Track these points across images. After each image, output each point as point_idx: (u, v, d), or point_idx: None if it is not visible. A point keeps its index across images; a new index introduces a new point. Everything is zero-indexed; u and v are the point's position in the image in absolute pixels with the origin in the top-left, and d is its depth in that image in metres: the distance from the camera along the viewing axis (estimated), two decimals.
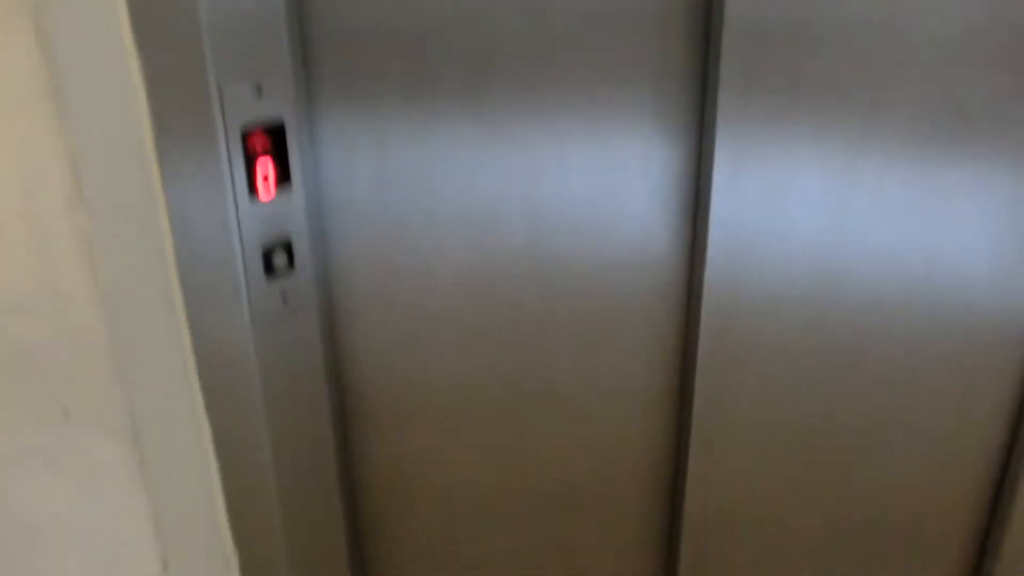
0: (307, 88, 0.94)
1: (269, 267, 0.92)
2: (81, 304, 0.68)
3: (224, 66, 0.82)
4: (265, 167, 0.90)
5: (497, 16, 0.94)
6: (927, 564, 1.32)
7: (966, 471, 1.26)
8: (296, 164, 0.92)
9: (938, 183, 1.05)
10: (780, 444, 1.21)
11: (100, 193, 0.74)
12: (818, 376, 1.17)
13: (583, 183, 1.04)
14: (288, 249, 0.94)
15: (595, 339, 1.14)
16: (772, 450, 1.21)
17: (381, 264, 1.06)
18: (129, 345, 0.72)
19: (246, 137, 0.87)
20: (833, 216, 1.07)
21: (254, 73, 0.86)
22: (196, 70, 0.81)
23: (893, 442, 1.21)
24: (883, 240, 1.09)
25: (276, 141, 0.91)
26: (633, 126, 1.01)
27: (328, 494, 1.10)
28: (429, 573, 1.28)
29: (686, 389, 1.18)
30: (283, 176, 0.92)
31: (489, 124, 0.99)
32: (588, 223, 1.07)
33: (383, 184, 1.01)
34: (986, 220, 1.09)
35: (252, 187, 0.89)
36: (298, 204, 0.94)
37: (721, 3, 0.92)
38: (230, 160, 0.86)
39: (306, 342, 1.00)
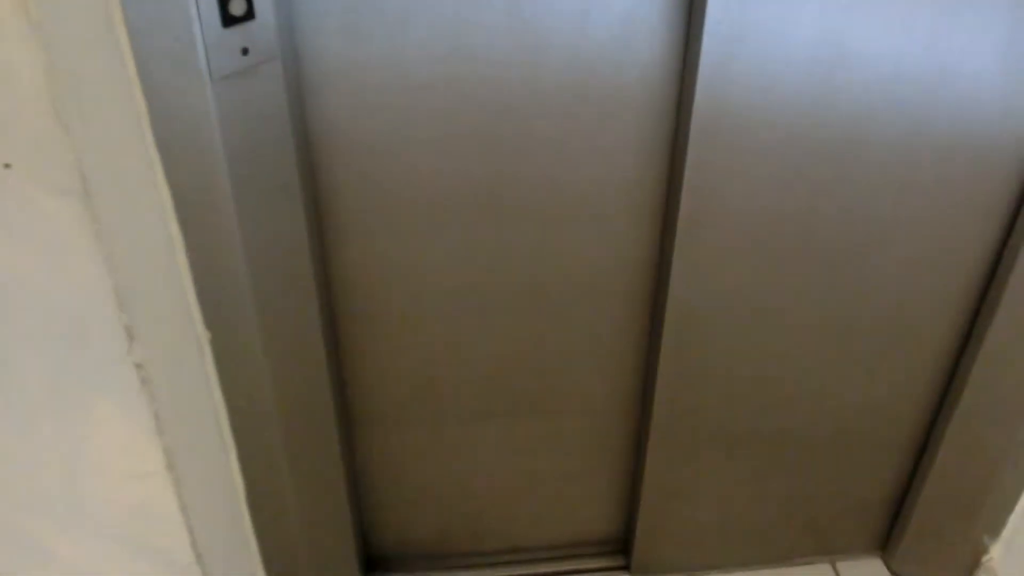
0: None
1: (227, 15, 0.83)
2: (13, 41, 0.60)
3: None
4: None
5: None
6: (910, 359, 1.33)
7: (952, 279, 1.24)
8: None
9: None
10: (767, 243, 1.17)
11: None
12: (809, 179, 1.12)
13: None
14: None
15: (578, 130, 1.08)
16: (759, 249, 1.17)
17: (351, 22, 0.97)
18: (72, 94, 0.65)
19: None
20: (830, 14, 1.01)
21: None
22: None
23: (883, 243, 1.19)
24: (881, 40, 1.03)
25: None
26: None
27: (304, 287, 1.06)
28: (403, 360, 1.27)
29: (673, 184, 1.13)
30: None
31: None
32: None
33: None
34: (988, 22, 1.03)
35: None
36: None
37: None
38: None
39: (271, 101, 0.92)
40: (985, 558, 1.48)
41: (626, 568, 1.54)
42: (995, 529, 1.44)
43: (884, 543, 1.58)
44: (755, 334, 1.25)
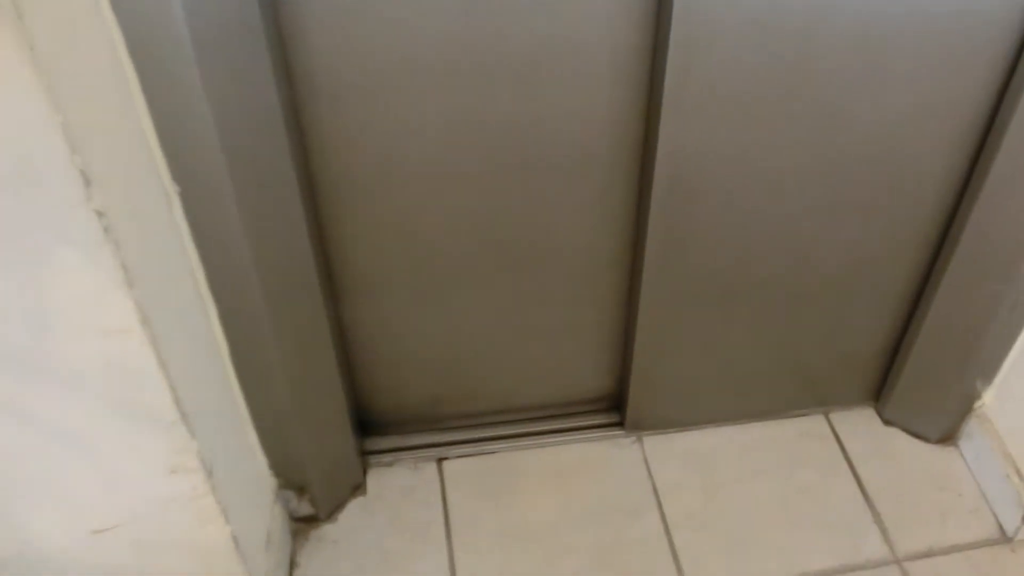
0: None
1: None
2: None
3: None
4: None
5: None
6: (906, 208, 1.30)
7: (949, 126, 1.20)
8: None
9: None
10: (758, 94, 1.12)
11: None
12: (800, 28, 1.06)
13: None
14: None
15: None
16: (750, 100, 1.12)
17: None
18: None
19: None
20: None
21: None
22: None
23: (879, 91, 1.14)
24: None
25: None
26: None
27: (277, 143, 1.01)
28: (388, 221, 1.23)
29: (660, 36, 1.07)
30: None
31: None
32: None
33: None
34: None
35: None
36: None
37: None
38: None
39: None
40: (977, 404, 1.48)
41: (620, 424, 1.55)
42: (988, 375, 1.44)
43: (877, 393, 1.59)
44: (747, 185, 1.21)
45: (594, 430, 1.54)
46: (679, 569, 1.35)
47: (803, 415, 1.58)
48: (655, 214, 1.22)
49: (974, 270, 1.31)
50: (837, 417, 1.58)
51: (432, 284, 1.32)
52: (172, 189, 0.96)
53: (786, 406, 1.58)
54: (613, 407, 1.57)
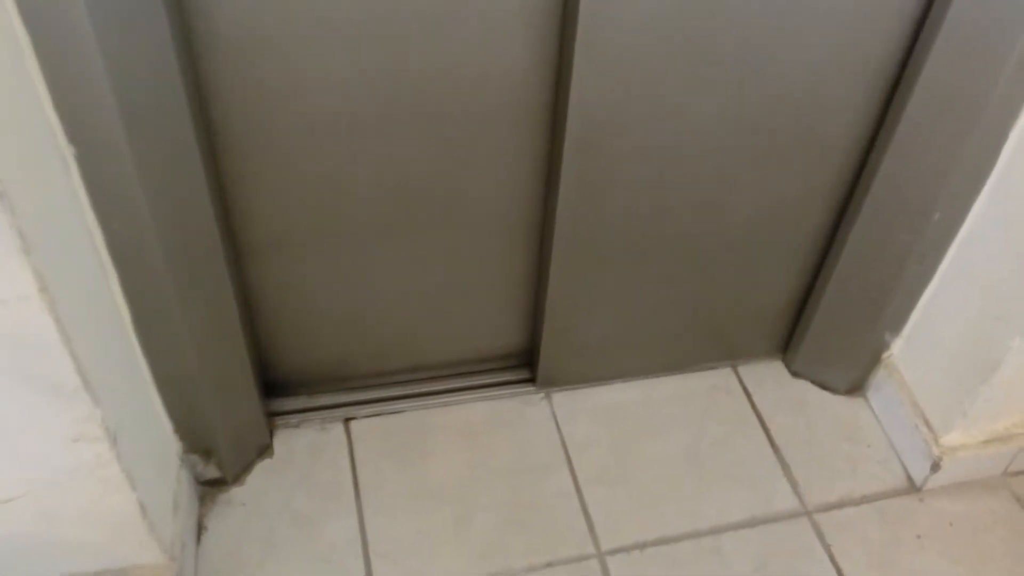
0: None
1: None
2: None
3: None
4: None
5: None
6: (816, 160, 1.39)
7: (859, 78, 1.28)
8: None
9: None
10: (671, 41, 1.18)
11: None
12: None
13: None
14: None
15: None
16: (663, 49, 1.19)
17: None
18: None
19: None
20: None
21: None
22: None
23: (791, 41, 1.21)
24: None
25: None
26: None
27: (175, 103, 1.04)
28: (292, 182, 1.27)
29: None
30: None
31: None
32: None
33: None
34: None
35: None
36: None
37: None
38: None
39: None
40: (886, 355, 1.61)
41: (532, 381, 1.64)
42: (897, 326, 1.56)
43: (785, 345, 1.71)
44: (658, 137, 1.29)
45: (504, 387, 1.63)
46: (590, 526, 1.45)
47: (711, 368, 1.69)
48: (567, 165, 1.28)
49: (883, 221, 1.41)
50: (745, 370, 1.70)
51: (340, 241, 1.37)
52: (68, 151, 0.99)
53: (695, 360, 1.68)
54: (524, 364, 1.66)
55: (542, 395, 1.62)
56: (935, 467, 1.50)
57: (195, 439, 1.36)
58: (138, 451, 1.15)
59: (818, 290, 1.57)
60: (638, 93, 1.23)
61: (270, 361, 1.52)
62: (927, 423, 1.52)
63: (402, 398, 1.59)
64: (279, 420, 1.54)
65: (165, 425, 1.32)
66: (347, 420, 1.56)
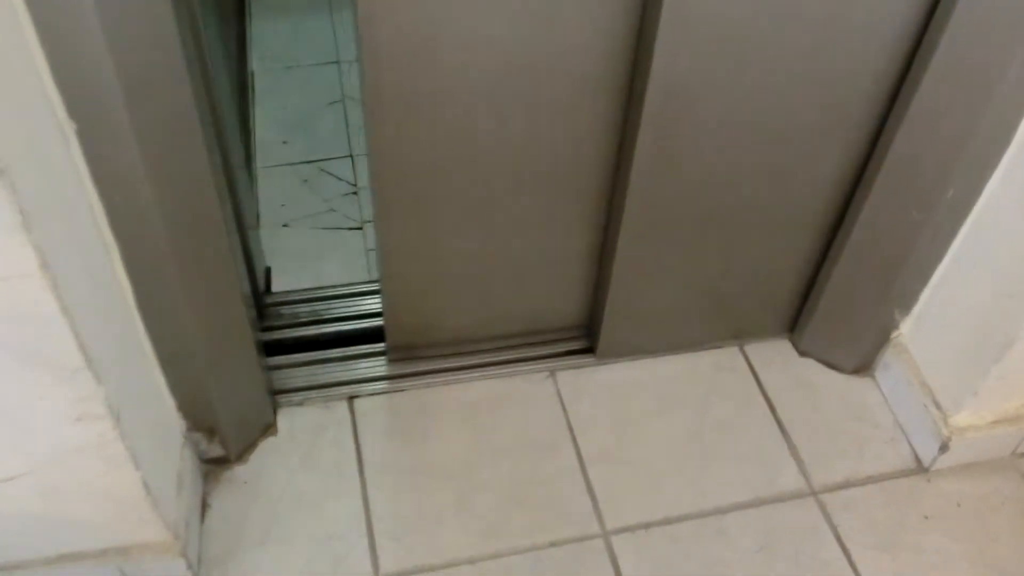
0: None
1: None
2: None
3: None
4: None
5: None
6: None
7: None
8: None
9: None
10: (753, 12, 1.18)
11: None
12: None
13: None
14: None
15: None
16: (745, 20, 1.19)
17: None
18: None
19: None
20: None
21: None
22: None
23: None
24: None
25: None
26: None
27: (176, 75, 1.04)
28: None
29: None
30: None
31: None
32: None
33: None
34: None
35: None
36: None
37: None
38: None
39: None
40: (894, 334, 1.60)
41: (591, 351, 1.65)
42: (907, 305, 1.55)
43: (792, 324, 1.69)
44: (732, 113, 1.30)
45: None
46: (595, 505, 1.45)
47: (717, 347, 1.69)
48: (643, 135, 1.28)
49: (895, 198, 1.39)
50: (752, 349, 1.69)
51: (433, 210, 1.39)
52: (68, 126, 0.98)
53: (702, 339, 1.68)
54: (581, 335, 1.68)
55: (545, 374, 1.62)
56: (944, 448, 1.49)
57: (198, 417, 1.36)
58: (141, 429, 1.15)
59: (827, 268, 1.56)
60: (717, 67, 1.23)
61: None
62: (936, 403, 1.51)
63: (405, 376, 1.59)
64: (282, 398, 1.54)
65: (168, 403, 1.31)
66: (351, 398, 1.56)
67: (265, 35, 2.28)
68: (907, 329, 1.58)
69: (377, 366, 1.59)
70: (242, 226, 1.46)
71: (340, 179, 1.92)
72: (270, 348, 1.59)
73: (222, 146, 1.29)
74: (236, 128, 1.52)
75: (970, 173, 1.34)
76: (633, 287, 1.53)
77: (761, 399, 1.61)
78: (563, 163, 1.37)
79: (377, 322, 1.64)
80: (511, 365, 1.62)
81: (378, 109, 1.23)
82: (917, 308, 1.55)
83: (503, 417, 1.55)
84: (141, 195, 1.07)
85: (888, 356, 1.61)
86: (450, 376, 1.60)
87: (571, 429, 1.55)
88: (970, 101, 1.26)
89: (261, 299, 1.64)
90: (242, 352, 1.38)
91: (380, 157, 1.29)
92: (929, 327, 1.53)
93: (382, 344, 1.62)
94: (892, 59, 1.28)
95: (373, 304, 1.67)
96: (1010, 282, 1.34)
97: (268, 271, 1.71)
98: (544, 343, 1.66)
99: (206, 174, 1.13)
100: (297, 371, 1.58)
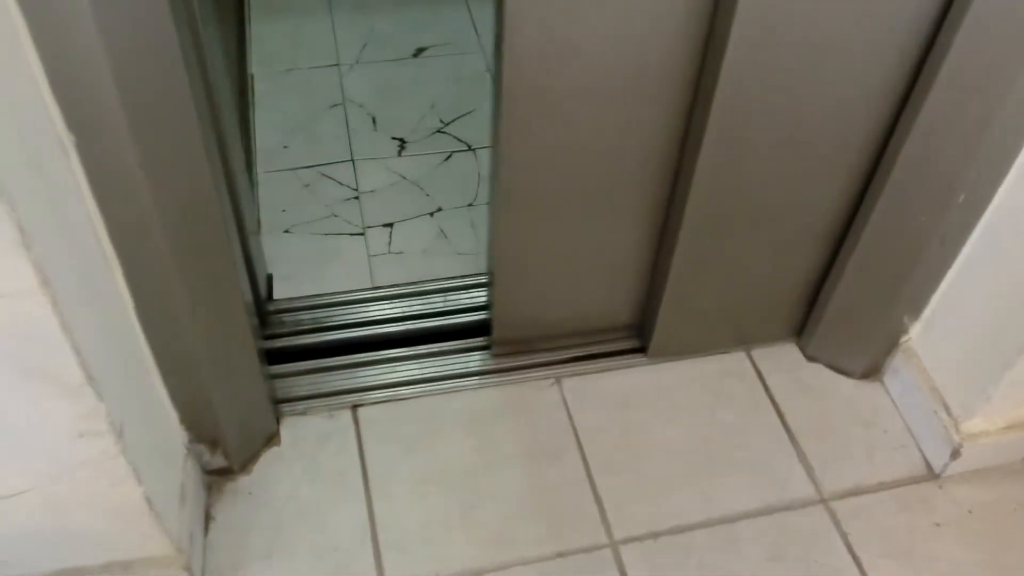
0: None
1: None
2: None
3: None
4: None
5: None
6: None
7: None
8: None
9: None
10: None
11: None
12: None
13: None
14: None
15: None
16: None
17: None
18: None
19: None
20: None
21: None
22: None
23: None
24: None
25: None
26: None
27: (178, 83, 1.02)
28: None
29: None
30: None
31: None
32: None
33: None
34: None
35: None
36: None
37: None
38: None
39: None
40: (903, 339, 1.59)
41: (642, 351, 1.65)
42: (916, 309, 1.54)
43: (800, 329, 1.67)
44: (793, 109, 1.29)
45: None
46: (603, 514, 1.43)
47: (724, 353, 1.67)
48: (710, 134, 1.28)
49: (905, 203, 1.37)
50: (759, 354, 1.67)
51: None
52: (67, 139, 0.97)
53: (709, 344, 1.67)
54: (632, 335, 1.68)
55: (550, 381, 1.60)
56: (955, 454, 1.48)
57: (201, 428, 1.35)
58: (144, 443, 1.13)
59: (836, 272, 1.54)
60: (787, 62, 1.23)
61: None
62: (947, 409, 1.49)
63: (408, 383, 1.57)
64: (286, 407, 1.52)
65: (171, 415, 1.30)
66: (355, 407, 1.54)
67: (265, 37, 2.25)
68: (916, 334, 1.57)
69: (380, 373, 1.58)
70: (243, 233, 1.44)
71: (341, 184, 1.90)
72: (272, 356, 1.58)
73: (223, 152, 1.27)
74: (237, 133, 1.50)
75: (982, 178, 1.32)
76: (690, 285, 1.52)
77: (769, 405, 1.60)
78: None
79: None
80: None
81: (513, 105, 1.24)
82: (926, 313, 1.53)
83: (509, 425, 1.54)
84: (142, 206, 1.05)
85: (897, 361, 1.59)
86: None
87: (577, 437, 1.53)
88: (982, 104, 1.24)
89: (263, 306, 1.62)
90: (245, 362, 1.36)
91: (507, 151, 1.30)
92: (939, 332, 1.52)
93: (483, 338, 1.65)
94: (902, 63, 1.27)
95: (373, 312, 1.66)
96: (1023, 289, 1.32)
97: (270, 278, 1.70)
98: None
99: (207, 182, 1.11)
100: (300, 380, 1.56)
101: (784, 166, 1.37)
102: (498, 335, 1.60)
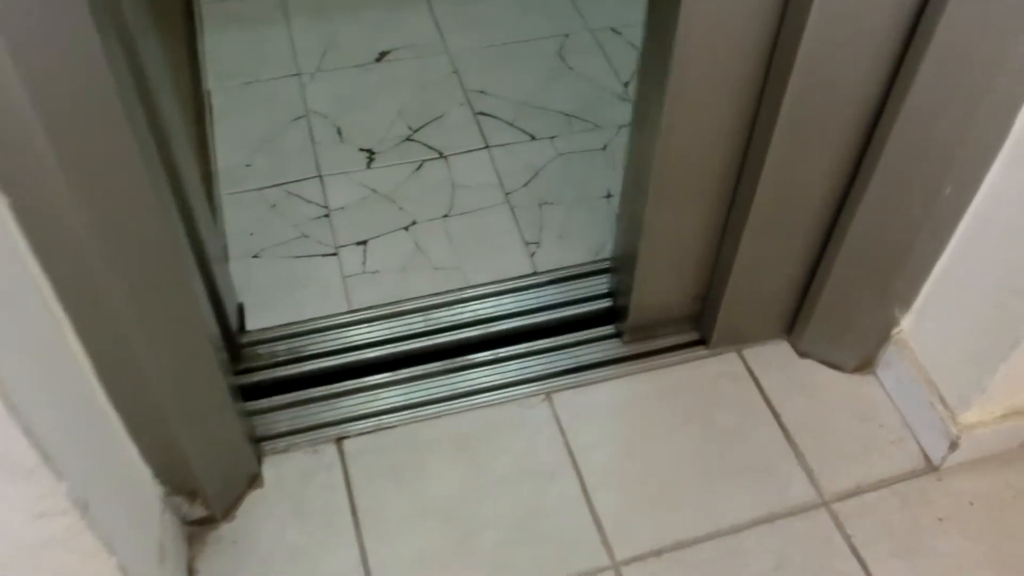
0: None
1: None
2: None
3: None
4: None
5: None
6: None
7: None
8: None
9: None
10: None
11: None
12: None
13: None
14: None
15: None
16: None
17: None
18: None
19: None
20: None
21: None
22: None
23: None
24: None
25: None
26: None
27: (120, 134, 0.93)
28: None
29: None
30: None
31: None
32: None
33: None
34: None
35: None
36: None
37: None
38: None
39: None
40: (895, 330, 1.52)
41: (703, 343, 1.60)
42: (907, 301, 1.47)
43: (790, 326, 1.61)
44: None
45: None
46: (602, 535, 1.36)
47: (716, 355, 1.60)
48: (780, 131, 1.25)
49: (892, 195, 1.30)
50: (751, 354, 1.60)
51: None
52: (1, 200, 0.88)
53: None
54: (691, 327, 1.63)
55: (540, 397, 1.52)
56: (953, 446, 1.42)
57: (177, 480, 1.26)
58: (114, 511, 1.05)
59: (824, 266, 1.47)
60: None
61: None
62: (943, 401, 1.43)
63: (394, 411, 1.49)
64: (267, 445, 1.44)
65: (143, 472, 1.21)
66: (339, 439, 1.46)
67: (220, 50, 2.15)
68: (908, 325, 1.50)
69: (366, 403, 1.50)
70: (206, 263, 1.35)
71: (310, 202, 1.80)
72: (249, 392, 1.49)
73: (176, 182, 1.18)
74: (191, 157, 1.40)
75: (968, 168, 1.25)
76: (751, 274, 1.48)
77: (764, 406, 1.53)
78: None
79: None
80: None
81: (679, 99, 1.22)
82: (917, 304, 1.46)
83: (499, 446, 1.46)
84: (88, 256, 0.97)
85: (890, 353, 1.53)
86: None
87: (571, 454, 1.46)
88: (967, 94, 1.17)
89: (235, 340, 1.53)
90: (216, 404, 1.27)
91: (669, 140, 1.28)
92: (931, 324, 1.45)
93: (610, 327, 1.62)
94: (882, 53, 1.19)
95: (353, 336, 1.58)
96: (1015, 277, 1.25)
97: (241, 308, 1.61)
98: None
99: (158, 217, 1.02)
100: (279, 415, 1.48)
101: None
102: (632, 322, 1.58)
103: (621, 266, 1.58)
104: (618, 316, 1.61)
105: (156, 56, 1.23)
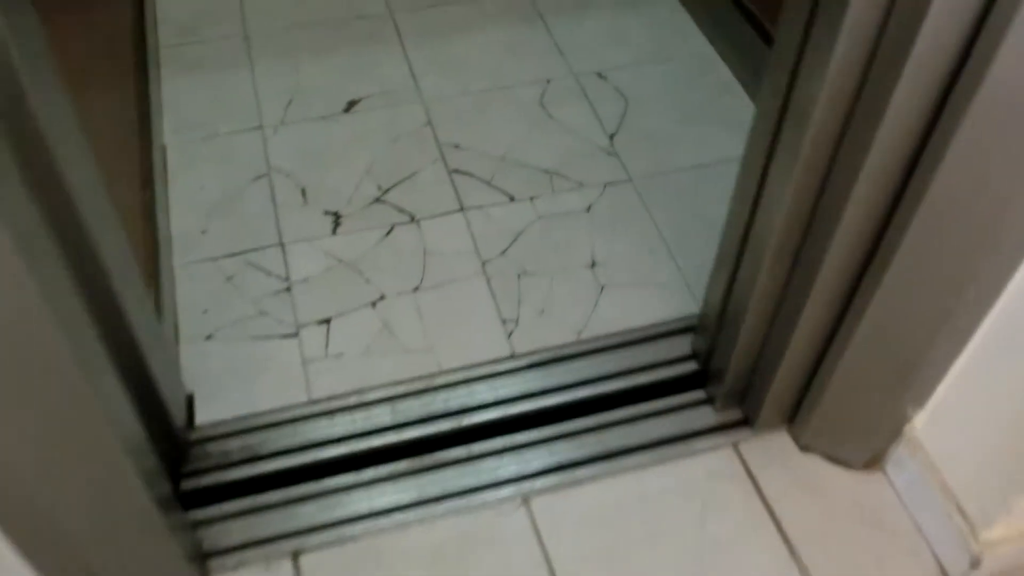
0: None
1: None
2: None
3: None
4: None
5: None
6: None
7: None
8: None
9: None
10: None
11: None
12: None
13: None
14: None
15: None
16: None
17: None
18: None
19: None
20: None
21: None
22: None
23: None
24: None
25: None
26: None
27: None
28: None
29: None
30: None
31: None
32: None
33: None
34: None
35: None
36: None
37: None
38: None
39: None
40: (907, 428, 1.37)
41: (747, 423, 1.48)
42: (922, 399, 1.32)
43: (792, 415, 1.46)
44: None
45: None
46: None
47: (709, 450, 1.44)
48: None
49: (912, 288, 1.16)
50: (747, 448, 1.45)
51: None
52: None
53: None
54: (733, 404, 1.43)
55: (517, 501, 1.37)
56: (975, 563, 1.27)
57: None
58: None
59: (834, 352, 1.31)
60: None
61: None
62: (962, 511, 1.28)
63: (354, 520, 1.33)
64: (215, 562, 1.27)
65: None
66: (296, 554, 1.30)
67: (178, 100, 1.98)
68: (921, 423, 1.35)
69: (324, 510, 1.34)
70: (137, 355, 1.20)
71: (270, 274, 1.64)
72: (197, 497, 1.33)
73: (93, 267, 1.03)
74: (120, 233, 1.21)
75: (997, 264, 1.11)
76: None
77: (763, 510, 1.38)
78: None
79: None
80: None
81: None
82: (932, 402, 1.32)
83: (473, 561, 1.30)
84: None
85: (901, 452, 1.38)
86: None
87: (551, 569, 1.30)
88: (997, 187, 1.02)
89: (180, 437, 1.37)
90: (141, 523, 1.10)
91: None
92: (948, 425, 1.30)
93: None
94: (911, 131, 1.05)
95: (312, 432, 1.41)
96: None
97: (190, 399, 1.44)
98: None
99: (42, 319, 0.84)
100: (231, 524, 1.31)
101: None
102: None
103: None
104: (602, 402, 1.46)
105: (64, 116, 1.06)
